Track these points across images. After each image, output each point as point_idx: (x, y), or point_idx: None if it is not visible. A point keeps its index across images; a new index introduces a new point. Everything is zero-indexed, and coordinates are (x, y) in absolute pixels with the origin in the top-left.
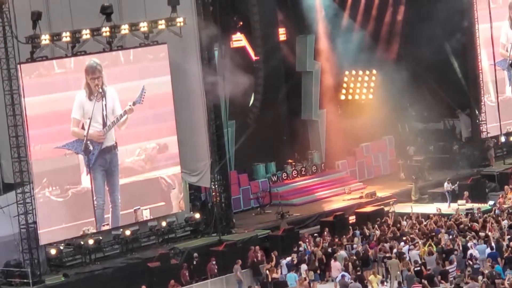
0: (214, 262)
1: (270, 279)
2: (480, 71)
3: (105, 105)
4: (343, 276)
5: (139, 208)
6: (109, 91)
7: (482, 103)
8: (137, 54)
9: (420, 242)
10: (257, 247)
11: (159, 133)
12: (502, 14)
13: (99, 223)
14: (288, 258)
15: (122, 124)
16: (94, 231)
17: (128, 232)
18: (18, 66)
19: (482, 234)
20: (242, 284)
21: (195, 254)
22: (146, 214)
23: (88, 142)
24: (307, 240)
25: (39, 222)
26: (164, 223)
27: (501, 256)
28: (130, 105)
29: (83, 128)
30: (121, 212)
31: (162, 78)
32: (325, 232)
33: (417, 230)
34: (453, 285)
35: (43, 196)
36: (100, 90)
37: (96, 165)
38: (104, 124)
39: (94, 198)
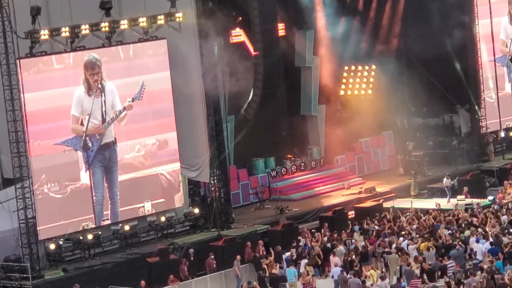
0: (212, 257)
1: (267, 274)
2: (480, 66)
3: (104, 100)
4: (342, 271)
5: (143, 206)
6: (108, 87)
7: (481, 99)
8: (137, 49)
9: (417, 237)
10: (261, 242)
11: (159, 129)
12: (502, 10)
13: (98, 219)
14: (288, 253)
15: (122, 119)
16: (93, 226)
17: (127, 227)
18: (17, 61)
19: (481, 229)
20: (241, 280)
21: (191, 250)
22: (148, 208)
23: (87, 138)
24: (306, 235)
25: (38, 219)
26: (163, 218)
27: (501, 251)
28: (129, 101)
29: (82, 124)
30: (121, 209)
31: (161, 73)
32: (324, 228)
33: (415, 225)
34: (453, 281)
35: (42, 193)
36: (99, 86)
37: (95, 161)
38: (103, 120)
39: (93, 194)
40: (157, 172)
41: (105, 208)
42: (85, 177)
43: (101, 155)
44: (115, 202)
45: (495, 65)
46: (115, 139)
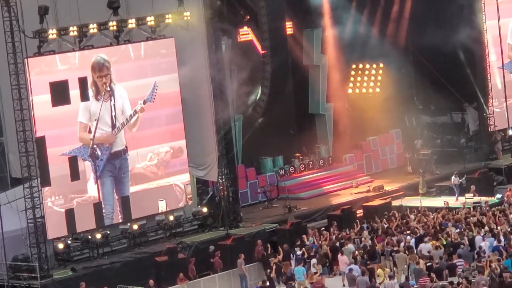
0: (219, 255)
1: (274, 273)
2: (488, 64)
3: (114, 105)
4: (350, 270)
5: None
6: (117, 90)
7: (489, 96)
8: (148, 48)
9: (422, 234)
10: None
11: (172, 136)
12: (510, 10)
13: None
14: (299, 252)
15: (133, 125)
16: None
17: (135, 227)
18: (26, 60)
19: (489, 227)
20: (246, 278)
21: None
22: (162, 209)
23: (95, 146)
24: (313, 235)
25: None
26: (171, 217)
27: (506, 249)
28: (141, 104)
29: (90, 132)
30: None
31: (170, 74)
32: (333, 226)
33: (424, 223)
34: (462, 279)
35: (46, 207)
36: (108, 89)
37: (104, 171)
38: (113, 126)
39: (103, 207)
40: (171, 182)
41: (116, 221)
42: (93, 189)
43: (111, 165)
44: (126, 215)
45: (503, 72)
46: (126, 147)
